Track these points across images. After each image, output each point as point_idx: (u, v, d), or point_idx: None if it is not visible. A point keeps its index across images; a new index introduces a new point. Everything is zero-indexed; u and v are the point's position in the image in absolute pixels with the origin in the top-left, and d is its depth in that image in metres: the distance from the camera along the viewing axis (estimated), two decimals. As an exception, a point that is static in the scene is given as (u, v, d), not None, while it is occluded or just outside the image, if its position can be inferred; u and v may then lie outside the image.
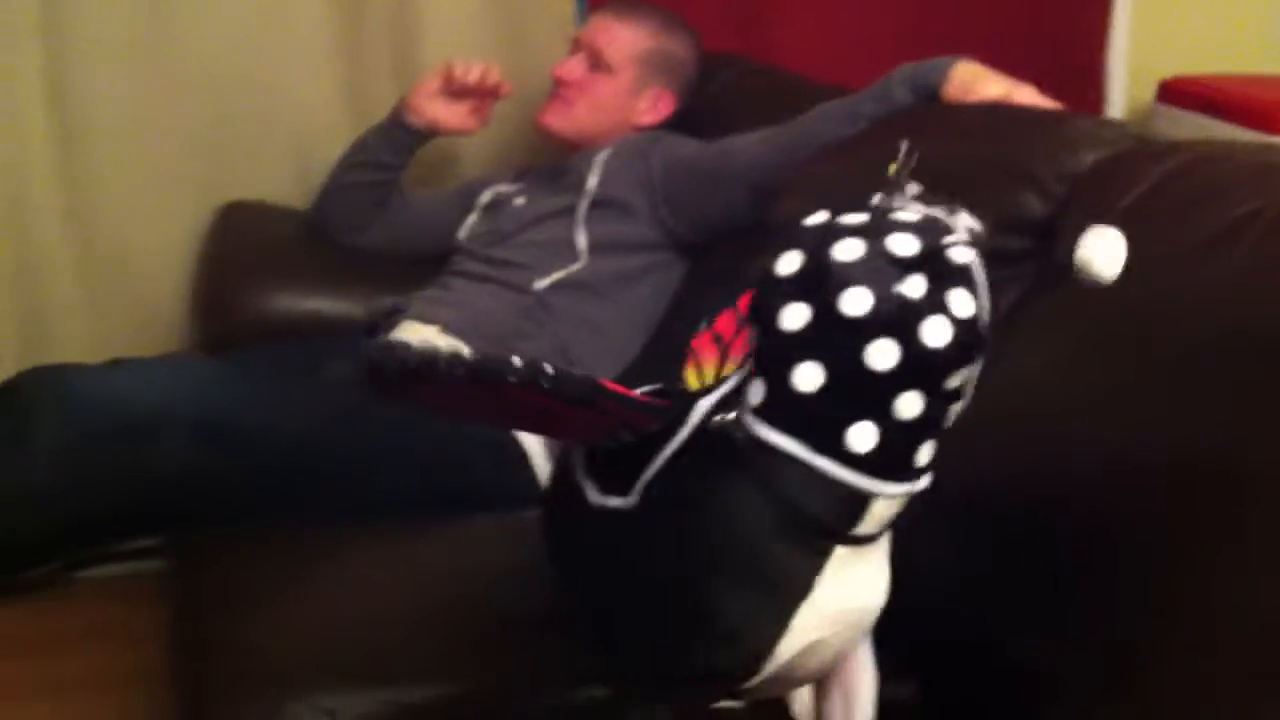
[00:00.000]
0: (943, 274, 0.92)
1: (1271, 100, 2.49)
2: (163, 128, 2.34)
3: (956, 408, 0.97)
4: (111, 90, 2.30)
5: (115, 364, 1.73)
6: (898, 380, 0.92)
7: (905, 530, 1.06)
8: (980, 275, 0.94)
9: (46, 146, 2.28)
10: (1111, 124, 1.56)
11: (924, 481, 0.99)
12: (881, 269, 0.92)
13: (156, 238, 2.37)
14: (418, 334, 1.94)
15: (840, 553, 0.99)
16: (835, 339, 0.92)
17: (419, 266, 2.20)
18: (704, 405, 1.03)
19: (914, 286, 0.92)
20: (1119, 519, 1.15)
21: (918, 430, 0.95)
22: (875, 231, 0.94)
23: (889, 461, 0.95)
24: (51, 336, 2.29)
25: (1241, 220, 1.15)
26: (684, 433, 1.03)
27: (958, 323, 0.92)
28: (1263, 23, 2.86)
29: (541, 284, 2.00)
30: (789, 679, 1.07)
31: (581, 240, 2.02)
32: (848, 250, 0.93)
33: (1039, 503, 1.22)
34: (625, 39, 2.18)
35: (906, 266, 0.92)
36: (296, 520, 1.62)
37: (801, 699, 1.29)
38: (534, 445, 1.86)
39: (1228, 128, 2.45)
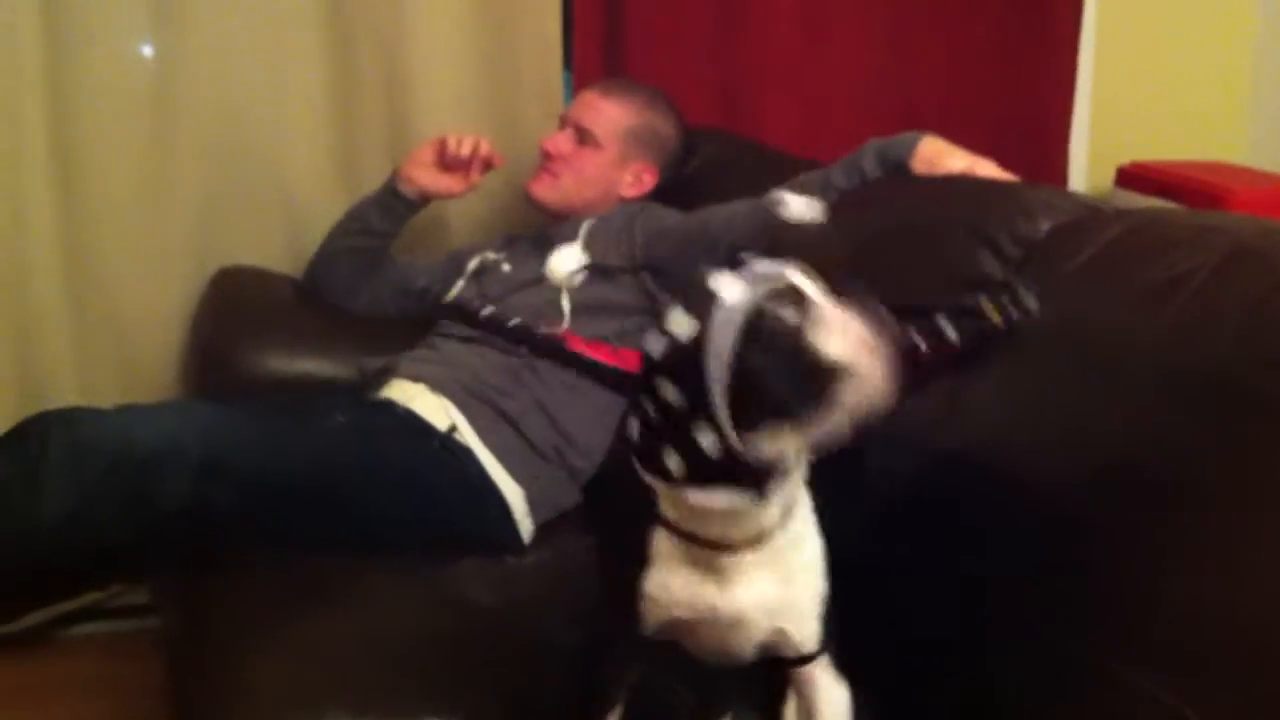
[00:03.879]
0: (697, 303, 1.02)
1: (1221, 185, 2.61)
2: (161, 196, 2.43)
3: (706, 440, 1.01)
4: (113, 159, 2.39)
5: (123, 408, 1.80)
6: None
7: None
8: (721, 331, 0.99)
9: (48, 212, 2.36)
10: (1066, 194, 1.67)
11: (688, 492, 1.05)
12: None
13: (151, 301, 2.44)
14: (405, 392, 2.01)
15: (669, 540, 1.11)
16: None
17: (404, 329, 2.27)
18: None
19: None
20: (1081, 530, 1.25)
21: (655, 432, 1.04)
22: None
23: (645, 455, 1.06)
24: (47, 395, 2.34)
25: (1183, 274, 1.26)
26: None
27: (668, 338, 1.02)
28: (1215, 112, 3.01)
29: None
30: (693, 643, 1.16)
31: (565, 303, 2.10)
32: None
33: (1010, 518, 1.32)
34: (611, 115, 2.29)
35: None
36: (292, 558, 1.68)
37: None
38: (516, 499, 1.93)
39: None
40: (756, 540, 1.10)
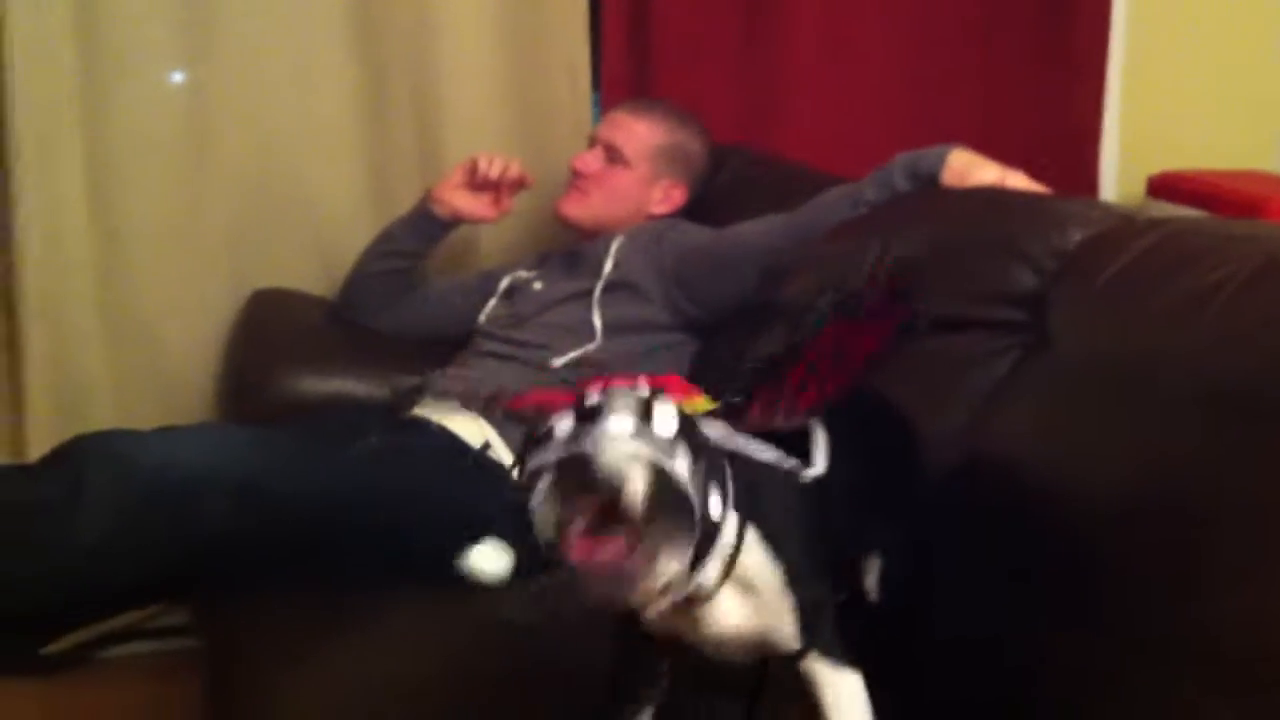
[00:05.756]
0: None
1: (1255, 194, 2.59)
2: (196, 222, 2.45)
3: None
4: (147, 186, 2.42)
5: (162, 430, 1.81)
6: None
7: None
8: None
9: (84, 237, 2.39)
10: (1098, 204, 1.66)
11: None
12: None
13: (187, 325, 2.47)
14: (438, 410, 2.02)
15: None
16: None
17: (437, 348, 2.29)
18: None
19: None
20: (1112, 552, 1.24)
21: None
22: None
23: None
24: (84, 418, 2.36)
25: (1214, 285, 1.25)
26: None
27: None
28: (1246, 121, 2.99)
29: (559, 362, 2.08)
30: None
31: (597, 321, 2.11)
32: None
33: (1040, 536, 1.31)
34: (640, 134, 2.30)
35: None
36: (327, 583, 1.69)
37: None
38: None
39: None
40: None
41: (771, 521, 1.17)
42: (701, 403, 1.22)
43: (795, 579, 1.17)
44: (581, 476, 1.02)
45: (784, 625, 1.18)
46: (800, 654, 1.19)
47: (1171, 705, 1.16)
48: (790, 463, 1.21)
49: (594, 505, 1.03)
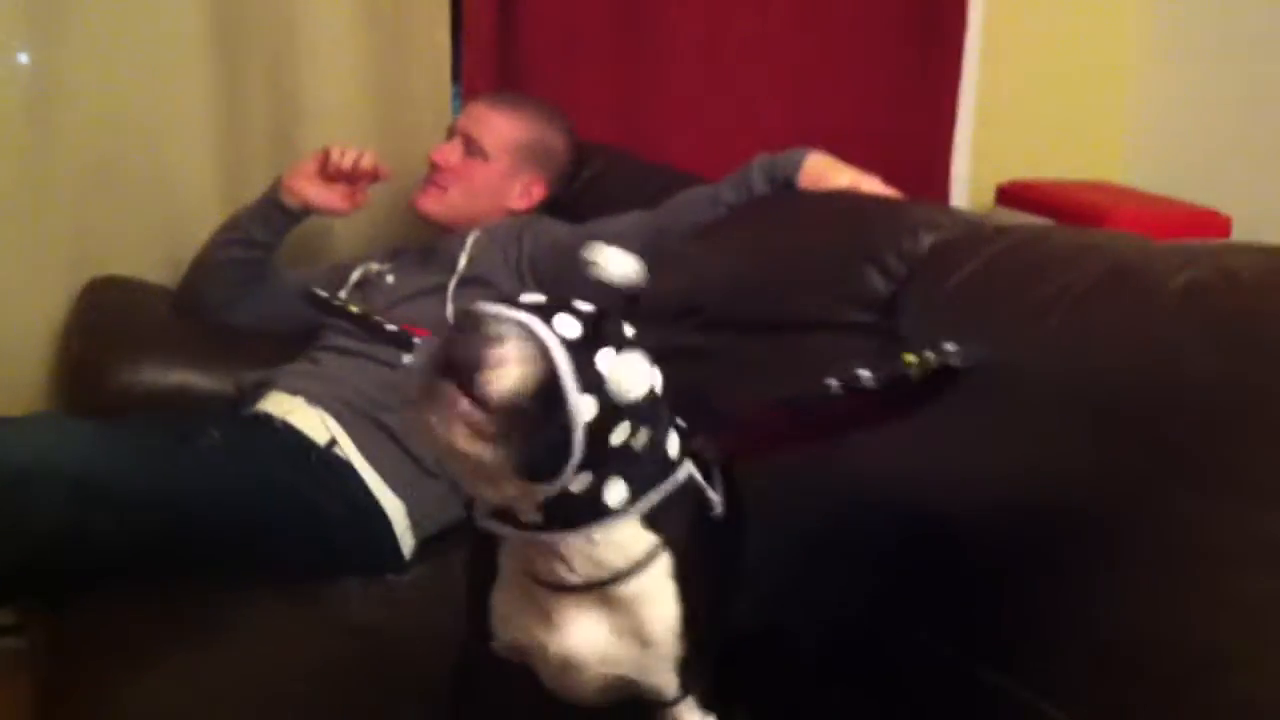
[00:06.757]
0: None
1: (1100, 203, 2.68)
2: (35, 206, 2.35)
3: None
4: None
5: (-11, 421, 1.73)
6: None
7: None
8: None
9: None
10: (948, 210, 1.70)
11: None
12: None
13: (24, 313, 2.37)
14: (282, 405, 1.97)
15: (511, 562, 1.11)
16: None
17: (283, 342, 2.22)
18: None
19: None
20: (975, 552, 1.26)
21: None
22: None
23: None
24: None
25: (1057, 292, 1.27)
26: None
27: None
28: (1093, 133, 3.08)
29: (410, 359, 2.04)
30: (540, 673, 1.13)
31: (451, 317, 2.08)
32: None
33: (899, 536, 1.32)
34: (501, 128, 2.27)
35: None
36: (169, 582, 1.63)
37: None
38: (397, 514, 1.90)
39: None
40: (586, 586, 1.06)
41: (685, 549, 1.07)
42: None
43: (692, 626, 1.08)
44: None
45: (662, 674, 1.10)
46: (671, 702, 1.12)
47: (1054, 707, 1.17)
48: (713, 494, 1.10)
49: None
